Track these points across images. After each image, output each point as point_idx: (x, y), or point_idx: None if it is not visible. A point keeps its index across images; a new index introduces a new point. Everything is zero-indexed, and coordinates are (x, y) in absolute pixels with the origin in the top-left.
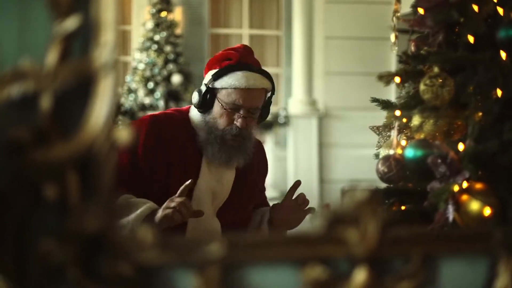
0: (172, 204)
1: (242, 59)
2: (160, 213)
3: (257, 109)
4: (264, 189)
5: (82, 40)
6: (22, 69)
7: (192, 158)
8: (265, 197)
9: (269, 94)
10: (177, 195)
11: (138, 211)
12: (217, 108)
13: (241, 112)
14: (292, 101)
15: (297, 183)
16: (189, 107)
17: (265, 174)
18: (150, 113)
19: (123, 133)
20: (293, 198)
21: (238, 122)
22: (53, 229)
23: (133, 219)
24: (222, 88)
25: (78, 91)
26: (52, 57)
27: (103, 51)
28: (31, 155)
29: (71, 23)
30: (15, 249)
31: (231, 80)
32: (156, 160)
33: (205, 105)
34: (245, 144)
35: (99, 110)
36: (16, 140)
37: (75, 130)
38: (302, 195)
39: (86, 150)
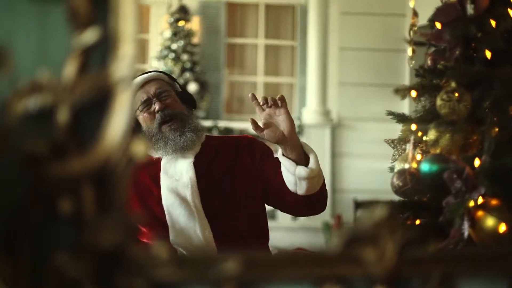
0: None
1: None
2: None
3: (163, 91)
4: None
5: (101, 52)
6: (40, 82)
7: (151, 180)
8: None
9: (175, 84)
10: None
11: None
12: (141, 120)
13: (153, 102)
14: (306, 111)
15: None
16: None
17: (267, 155)
18: None
19: (140, 147)
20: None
21: (156, 108)
22: (68, 244)
23: None
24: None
25: (96, 104)
26: (70, 70)
27: (122, 64)
28: (47, 168)
29: (90, 35)
30: (30, 263)
31: None
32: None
33: (136, 129)
34: (180, 121)
35: (116, 124)
36: (32, 153)
37: (92, 144)
38: (263, 99)
39: (102, 164)
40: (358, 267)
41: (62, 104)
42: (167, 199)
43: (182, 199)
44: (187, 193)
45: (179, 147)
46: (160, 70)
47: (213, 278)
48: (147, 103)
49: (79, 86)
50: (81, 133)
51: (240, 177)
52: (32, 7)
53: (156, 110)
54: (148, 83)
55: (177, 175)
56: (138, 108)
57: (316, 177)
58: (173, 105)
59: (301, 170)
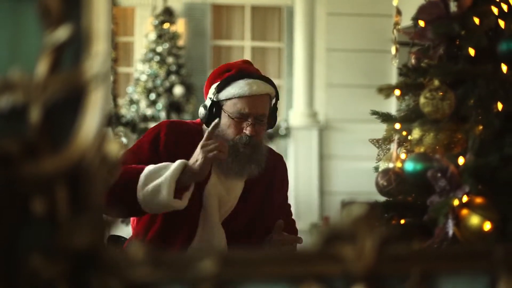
0: (211, 147)
1: (242, 68)
2: (200, 159)
3: (264, 115)
4: (286, 200)
5: (73, 50)
6: (11, 80)
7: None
8: (289, 210)
9: (273, 101)
10: (206, 138)
11: (172, 168)
12: (224, 120)
13: (249, 120)
14: (293, 112)
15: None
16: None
17: (287, 188)
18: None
19: (114, 146)
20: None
21: (247, 130)
22: (41, 245)
23: (169, 176)
24: (226, 99)
25: (69, 102)
26: (42, 67)
27: (95, 61)
28: (19, 168)
29: (62, 33)
30: (2, 264)
31: (234, 90)
32: (174, 160)
33: (212, 119)
34: (256, 152)
35: (90, 122)
36: (3, 153)
37: (65, 143)
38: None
39: (76, 163)
40: (336, 265)
41: (34, 103)
42: (209, 198)
43: (219, 209)
44: (226, 209)
45: (240, 174)
46: (273, 81)
47: (190, 277)
48: (244, 117)
49: (51, 84)
50: (54, 132)
51: (262, 202)
52: (3, 4)
53: (247, 132)
54: (258, 98)
55: (227, 185)
56: (232, 115)
57: None
58: (261, 133)
59: None
